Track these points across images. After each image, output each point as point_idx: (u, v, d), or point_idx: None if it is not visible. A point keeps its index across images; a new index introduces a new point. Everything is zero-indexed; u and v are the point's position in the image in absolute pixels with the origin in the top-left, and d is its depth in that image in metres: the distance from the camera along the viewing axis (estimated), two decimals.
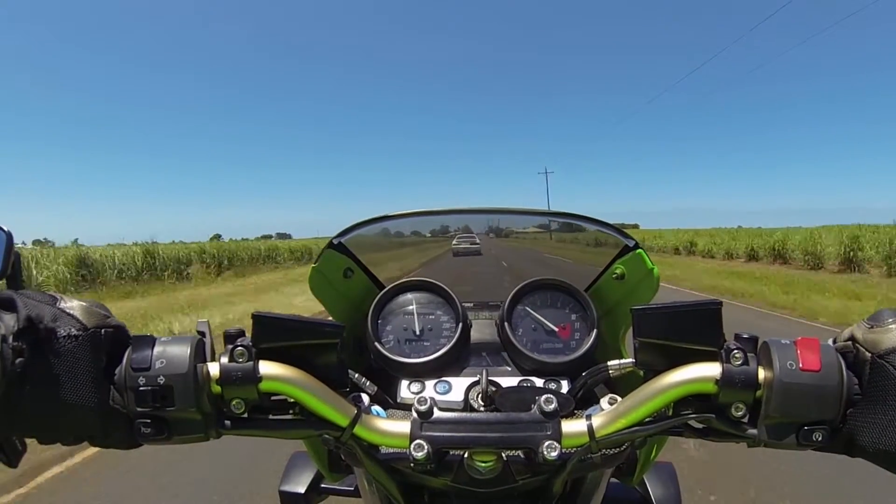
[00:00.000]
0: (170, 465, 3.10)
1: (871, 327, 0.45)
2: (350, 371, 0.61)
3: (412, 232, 1.10)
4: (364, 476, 0.66)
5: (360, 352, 0.87)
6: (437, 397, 0.76)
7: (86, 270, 14.35)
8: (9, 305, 0.45)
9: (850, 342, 0.47)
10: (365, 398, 0.58)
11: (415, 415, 0.51)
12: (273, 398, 0.50)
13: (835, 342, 0.48)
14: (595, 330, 0.81)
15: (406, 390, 0.78)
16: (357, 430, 0.51)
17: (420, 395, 0.66)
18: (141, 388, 0.46)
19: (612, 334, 0.88)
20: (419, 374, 0.79)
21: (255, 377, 0.48)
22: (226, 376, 0.48)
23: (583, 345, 0.81)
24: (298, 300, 10.63)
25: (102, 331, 0.47)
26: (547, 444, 0.49)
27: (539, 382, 0.78)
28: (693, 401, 0.49)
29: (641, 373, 0.53)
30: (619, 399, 0.53)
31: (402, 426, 0.52)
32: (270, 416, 0.51)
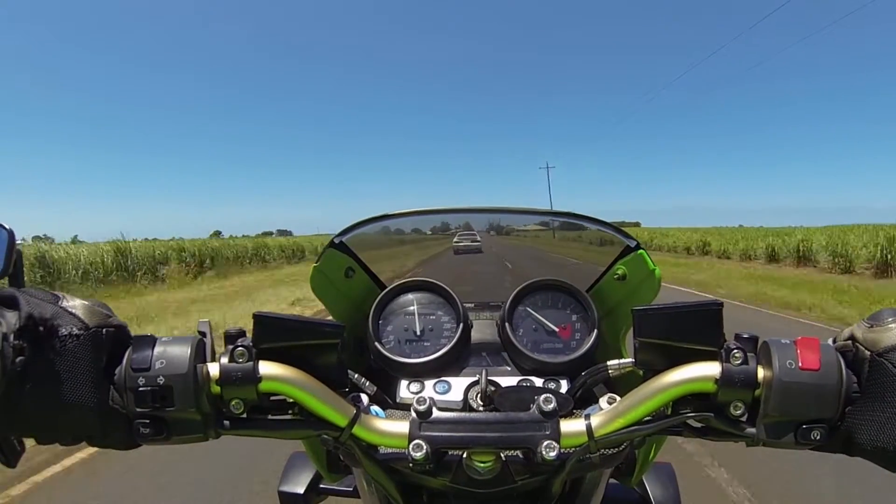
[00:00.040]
0: (168, 464, 3.10)
1: (871, 326, 0.46)
2: (349, 371, 0.61)
3: (413, 230, 1.10)
4: (363, 476, 0.66)
5: (360, 352, 0.87)
6: (437, 397, 0.76)
7: (44, 271, 12.59)
8: (11, 303, 0.45)
9: (849, 341, 0.47)
10: (364, 398, 0.58)
11: (413, 415, 0.52)
12: (272, 398, 0.50)
13: (835, 342, 0.48)
14: (596, 330, 0.81)
15: (405, 390, 0.78)
16: (356, 430, 0.51)
17: (419, 395, 0.66)
18: (140, 389, 0.46)
19: (612, 335, 0.88)
20: (419, 374, 0.79)
21: (254, 377, 0.48)
22: (225, 377, 0.48)
23: (583, 345, 0.81)
24: (271, 308, 9.11)
25: (104, 330, 0.47)
26: (545, 443, 0.49)
27: (538, 382, 0.78)
28: (692, 400, 0.49)
29: (641, 372, 0.53)
30: (617, 398, 0.52)
31: (401, 426, 0.52)
32: (269, 417, 0.51)
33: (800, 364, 0.45)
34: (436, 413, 0.52)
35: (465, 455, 0.53)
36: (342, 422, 0.50)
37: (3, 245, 0.59)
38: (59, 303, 0.47)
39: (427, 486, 0.59)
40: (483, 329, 0.88)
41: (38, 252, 13.14)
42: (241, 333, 0.50)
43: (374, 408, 0.58)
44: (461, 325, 0.83)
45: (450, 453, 0.53)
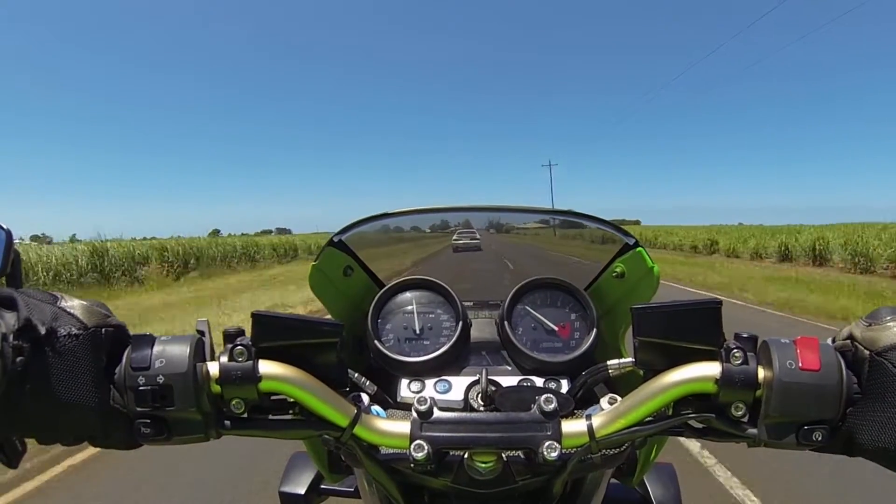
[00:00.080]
0: (169, 465, 3.10)
1: (870, 325, 0.45)
2: (350, 370, 0.61)
3: (412, 227, 1.10)
4: (364, 476, 0.66)
5: (359, 351, 0.87)
6: (437, 397, 0.76)
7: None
8: (9, 304, 0.44)
9: (848, 341, 0.47)
10: (365, 398, 0.58)
11: (414, 415, 0.51)
12: (273, 398, 0.50)
13: (834, 341, 0.48)
14: (595, 329, 0.81)
15: (406, 389, 0.78)
16: (357, 430, 0.51)
17: (420, 394, 0.66)
18: (140, 388, 0.45)
19: (611, 333, 0.88)
20: (419, 373, 0.79)
21: (254, 377, 0.47)
22: (225, 376, 0.47)
23: (582, 344, 0.81)
24: (238, 317, 8.17)
25: (103, 330, 0.47)
26: (547, 444, 0.49)
27: (539, 382, 0.78)
28: (693, 400, 0.49)
29: (641, 372, 0.53)
30: (618, 399, 0.52)
31: (402, 426, 0.52)
32: (270, 417, 0.51)
33: (800, 364, 0.45)
34: (437, 413, 0.52)
35: (466, 455, 0.52)
36: (343, 422, 0.50)
37: (0, 245, 0.58)
38: (58, 303, 0.47)
39: (428, 487, 0.59)
40: (482, 328, 0.88)
41: None
42: (241, 332, 0.50)
43: (375, 407, 0.58)
44: (460, 323, 0.83)
45: (451, 453, 0.53)
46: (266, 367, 0.48)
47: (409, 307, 0.87)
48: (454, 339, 0.81)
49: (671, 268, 16.78)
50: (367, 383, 0.66)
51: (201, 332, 0.50)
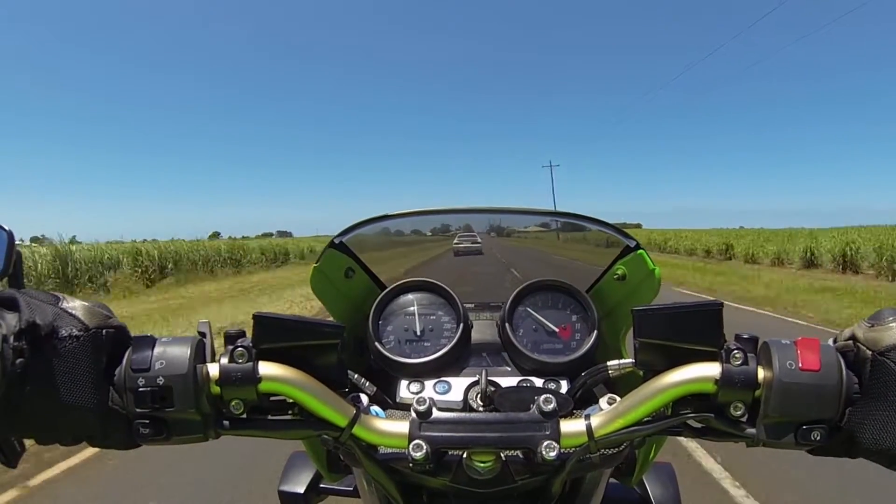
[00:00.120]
0: (169, 464, 3.10)
1: (872, 326, 0.45)
2: (349, 371, 0.61)
3: (413, 231, 1.10)
4: (363, 476, 0.66)
5: (360, 352, 0.87)
6: (437, 397, 0.76)
7: None
8: (11, 305, 0.45)
9: (850, 341, 0.47)
10: (364, 398, 0.58)
11: (413, 415, 0.51)
12: (272, 399, 0.50)
13: (835, 342, 0.48)
14: (595, 330, 0.81)
15: (405, 390, 0.78)
16: (356, 430, 0.51)
17: (419, 395, 0.66)
18: (140, 389, 0.46)
19: (612, 335, 0.88)
20: (419, 374, 0.79)
21: (254, 378, 0.48)
22: (225, 377, 0.48)
23: (583, 345, 0.81)
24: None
25: (104, 331, 0.47)
26: (546, 444, 0.49)
27: (538, 382, 0.78)
28: (692, 400, 0.49)
29: (641, 373, 0.53)
30: (617, 399, 0.52)
31: (401, 426, 0.52)
32: (269, 417, 0.51)
33: (800, 365, 0.45)
34: (436, 413, 0.52)
35: (465, 455, 0.53)
36: (342, 422, 0.50)
37: (2, 246, 0.59)
38: (59, 304, 0.47)
39: (427, 486, 0.59)
40: (483, 329, 0.88)
41: None
42: (241, 334, 0.50)
43: (374, 408, 0.58)
44: (461, 325, 0.83)
45: (450, 453, 0.53)
46: (266, 368, 0.48)
47: (411, 309, 0.87)
48: (455, 340, 0.81)
49: (695, 276, 15.10)
50: (367, 384, 0.66)
51: (202, 334, 0.51)
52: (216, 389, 0.48)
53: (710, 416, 0.48)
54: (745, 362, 0.46)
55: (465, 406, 0.71)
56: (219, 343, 0.51)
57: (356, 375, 0.65)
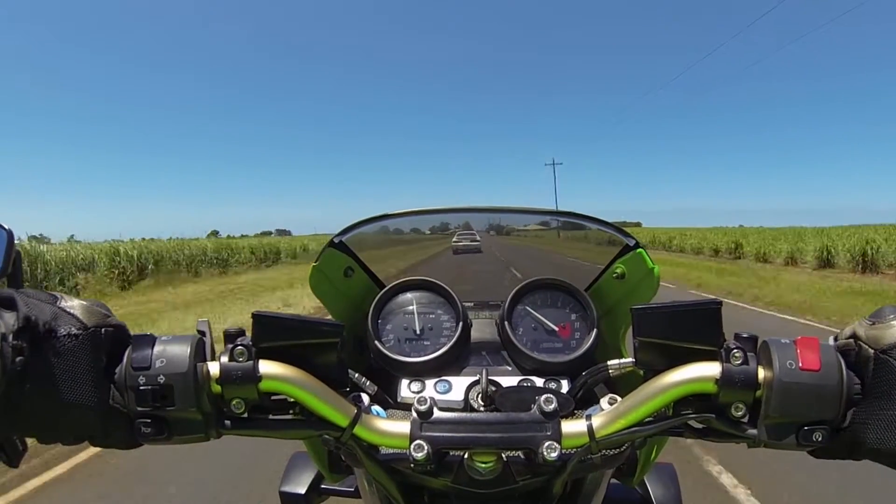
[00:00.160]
0: (168, 464, 3.10)
1: (873, 324, 0.45)
2: (350, 371, 0.61)
3: (412, 229, 1.10)
4: (364, 476, 0.66)
5: (360, 351, 0.87)
6: (437, 397, 0.75)
7: None
8: (9, 304, 0.44)
9: (851, 339, 0.46)
10: (365, 398, 0.58)
11: (415, 415, 0.51)
12: (273, 398, 0.50)
13: (836, 340, 0.48)
14: (595, 329, 0.81)
15: (406, 390, 0.78)
16: (357, 430, 0.51)
17: (420, 394, 0.65)
18: (141, 388, 0.45)
19: (612, 334, 0.88)
20: (419, 373, 0.79)
21: (255, 376, 0.47)
22: (226, 376, 0.47)
23: (583, 344, 0.81)
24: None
25: (103, 330, 0.47)
26: (547, 444, 0.49)
27: (539, 382, 0.78)
28: (693, 401, 0.49)
29: (641, 372, 0.53)
30: (618, 399, 0.52)
31: (402, 426, 0.52)
32: (270, 416, 0.51)
33: (800, 364, 0.44)
34: (437, 413, 0.52)
35: (466, 455, 0.52)
36: (343, 422, 0.50)
37: (2, 245, 0.59)
38: (58, 303, 0.47)
39: (428, 487, 0.59)
40: (483, 328, 0.88)
41: None
42: (241, 333, 0.50)
43: (375, 408, 0.58)
44: (461, 323, 0.82)
45: (451, 453, 0.53)
46: (266, 367, 0.48)
47: (410, 308, 0.87)
48: (454, 339, 0.80)
49: (711, 277, 13.69)
50: (368, 383, 0.66)
51: (202, 332, 0.50)
52: (217, 388, 0.48)
53: (711, 416, 0.48)
54: (745, 362, 0.46)
55: (466, 406, 0.71)
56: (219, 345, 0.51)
57: (357, 375, 0.65)
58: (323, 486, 1.02)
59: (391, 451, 0.53)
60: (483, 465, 0.52)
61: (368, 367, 0.83)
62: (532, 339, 0.83)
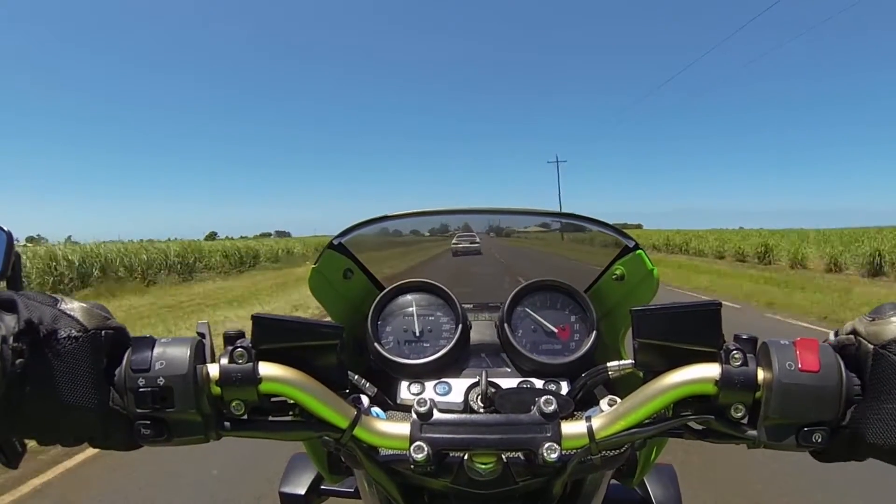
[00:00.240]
0: (168, 463, 3.10)
1: (873, 320, 0.45)
2: (350, 372, 0.61)
3: (411, 231, 1.10)
4: (364, 478, 0.66)
5: (359, 353, 0.87)
6: (437, 398, 0.76)
7: None
8: (9, 306, 0.45)
9: (851, 335, 0.46)
10: (364, 399, 0.58)
11: (414, 416, 0.51)
12: (273, 400, 0.50)
13: (837, 334, 0.48)
14: (595, 331, 0.81)
15: (406, 391, 0.78)
16: (357, 431, 0.51)
17: (420, 396, 0.66)
18: (140, 390, 0.46)
19: (611, 335, 0.88)
20: (419, 375, 0.79)
21: (254, 378, 0.48)
22: (225, 377, 0.48)
23: (582, 346, 0.81)
24: None
25: (103, 332, 0.47)
26: (547, 445, 0.49)
27: (538, 384, 0.78)
28: (693, 402, 0.49)
29: (641, 374, 0.53)
30: (618, 400, 0.52)
31: (402, 428, 0.52)
32: (270, 418, 0.51)
33: (799, 365, 0.45)
34: (436, 415, 0.52)
35: (466, 457, 0.53)
36: (343, 423, 0.50)
37: (1, 247, 0.59)
38: (58, 305, 0.47)
39: (428, 488, 0.59)
40: (482, 330, 0.88)
41: None
42: (241, 335, 0.50)
43: (375, 409, 0.58)
44: (460, 325, 0.83)
45: (451, 455, 0.53)
46: (266, 368, 0.48)
47: (410, 309, 0.87)
48: (454, 341, 0.80)
49: (775, 293, 10.83)
50: (367, 385, 0.66)
51: (202, 335, 0.50)
52: (216, 390, 0.48)
53: (710, 417, 0.48)
54: (745, 363, 0.46)
55: (466, 407, 0.71)
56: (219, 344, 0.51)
57: (356, 376, 0.65)
58: (323, 487, 1.02)
59: (391, 452, 0.53)
60: (483, 467, 0.52)
61: (368, 369, 0.83)
62: (531, 341, 0.83)
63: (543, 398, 0.51)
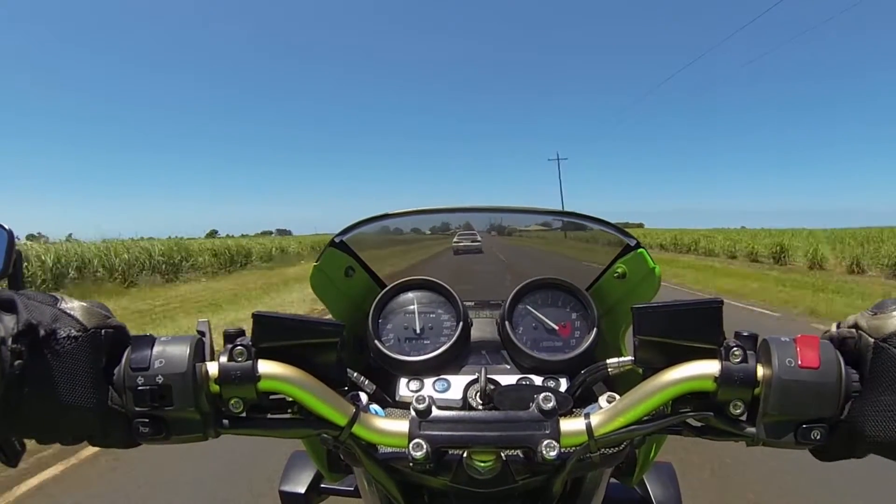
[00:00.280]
0: (168, 463, 3.10)
1: (875, 314, 0.45)
2: (349, 370, 0.61)
3: (412, 229, 1.10)
4: (363, 476, 0.66)
5: (360, 351, 0.87)
6: (436, 395, 0.75)
7: None
8: (9, 306, 0.45)
9: (853, 329, 0.47)
10: (363, 397, 0.58)
11: (413, 413, 0.51)
12: (272, 397, 0.50)
13: (839, 327, 0.48)
14: (595, 328, 0.81)
15: (405, 389, 0.78)
16: (355, 429, 0.51)
17: (418, 393, 0.66)
18: (139, 388, 0.46)
19: (612, 333, 0.88)
20: (418, 372, 0.79)
21: (253, 376, 0.48)
22: (224, 375, 0.48)
23: (583, 343, 0.81)
24: None
25: (102, 331, 0.47)
26: (546, 443, 0.49)
27: (538, 380, 0.78)
28: (692, 399, 0.49)
29: (640, 371, 0.53)
30: (617, 397, 0.52)
31: (401, 425, 0.51)
32: (269, 416, 0.51)
33: (799, 362, 0.44)
34: (435, 412, 0.52)
35: (465, 454, 0.52)
36: (342, 421, 0.50)
37: (2, 246, 0.59)
38: (58, 305, 0.47)
39: (427, 486, 0.59)
40: (483, 327, 0.88)
41: None
42: (241, 333, 0.50)
43: (374, 406, 0.58)
44: (461, 323, 0.82)
45: (450, 452, 0.53)
46: (265, 366, 0.48)
47: (411, 307, 0.87)
48: (454, 338, 0.80)
49: (818, 301, 9.63)
50: (366, 382, 0.66)
51: (201, 333, 0.50)
52: (215, 388, 0.48)
53: (709, 414, 0.48)
54: (745, 360, 0.46)
55: (465, 404, 0.71)
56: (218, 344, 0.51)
57: (356, 374, 0.65)
58: (322, 486, 1.02)
59: (390, 450, 0.53)
60: (482, 464, 0.52)
61: (367, 367, 0.83)
62: (532, 338, 0.83)
63: (542, 395, 0.51)
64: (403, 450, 0.50)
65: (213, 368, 0.48)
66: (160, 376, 0.46)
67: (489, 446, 0.51)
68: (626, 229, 0.86)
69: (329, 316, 0.85)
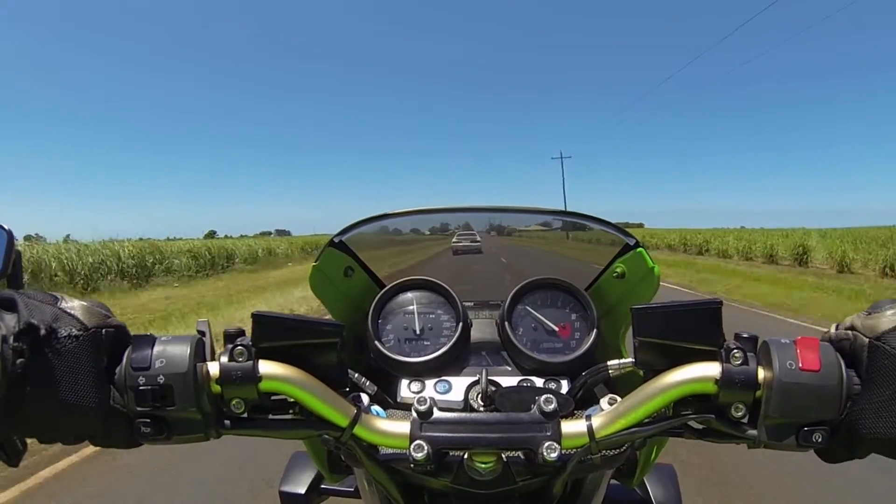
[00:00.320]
0: (167, 463, 3.10)
1: (870, 314, 0.46)
2: (350, 371, 0.61)
3: (412, 229, 1.10)
4: (364, 477, 0.66)
5: (360, 351, 0.87)
6: (437, 397, 0.75)
7: None
8: (9, 306, 0.44)
9: (849, 330, 0.47)
10: (365, 398, 0.58)
11: (414, 415, 0.51)
12: (273, 398, 0.50)
13: (837, 328, 0.48)
14: (595, 329, 0.81)
15: (406, 390, 0.78)
16: (357, 430, 0.51)
17: (420, 394, 0.66)
18: (141, 388, 0.45)
19: (612, 334, 0.88)
20: (419, 373, 0.79)
21: (254, 377, 0.47)
22: (225, 376, 0.47)
23: (583, 344, 0.81)
24: None
25: (103, 331, 0.47)
26: (547, 444, 0.49)
27: (539, 382, 0.78)
28: (693, 401, 0.49)
29: (641, 372, 0.53)
30: (618, 399, 0.52)
31: (402, 426, 0.51)
32: (270, 416, 0.51)
33: (800, 365, 0.44)
34: (437, 413, 0.52)
35: (466, 456, 0.52)
36: (343, 422, 0.50)
37: (2, 246, 0.59)
38: (58, 304, 0.47)
39: (428, 487, 0.59)
40: (483, 328, 0.88)
41: None
42: (241, 333, 0.50)
43: (375, 408, 0.58)
44: (461, 323, 0.82)
45: (451, 454, 0.53)
46: (266, 367, 0.48)
47: (410, 307, 0.87)
48: (454, 339, 0.80)
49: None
50: (368, 383, 0.66)
51: (202, 333, 0.50)
52: (217, 388, 0.48)
53: (711, 417, 0.48)
54: (745, 362, 0.46)
55: (466, 406, 0.71)
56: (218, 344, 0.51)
57: (357, 375, 0.65)
58: (323, 486, 1.02)
59: (391, 451, 0.53)
60: (483, 466, 0.52)
61: (368, 368, 0.83)
62: (532, 339, 0.83)
63: (543, 397, 0.51)
64: (405, 451, 0.50)
65: (213, 368, 0.48)
66: (161, 376, 0.46)
67: (490, 448, 0.51)
68: (627, 229, 0.86)
69: (329, 316, 0.85)
